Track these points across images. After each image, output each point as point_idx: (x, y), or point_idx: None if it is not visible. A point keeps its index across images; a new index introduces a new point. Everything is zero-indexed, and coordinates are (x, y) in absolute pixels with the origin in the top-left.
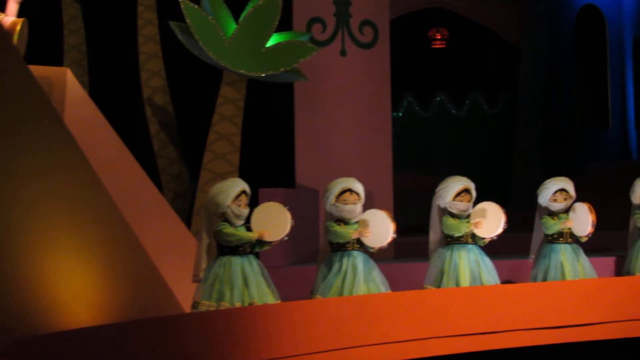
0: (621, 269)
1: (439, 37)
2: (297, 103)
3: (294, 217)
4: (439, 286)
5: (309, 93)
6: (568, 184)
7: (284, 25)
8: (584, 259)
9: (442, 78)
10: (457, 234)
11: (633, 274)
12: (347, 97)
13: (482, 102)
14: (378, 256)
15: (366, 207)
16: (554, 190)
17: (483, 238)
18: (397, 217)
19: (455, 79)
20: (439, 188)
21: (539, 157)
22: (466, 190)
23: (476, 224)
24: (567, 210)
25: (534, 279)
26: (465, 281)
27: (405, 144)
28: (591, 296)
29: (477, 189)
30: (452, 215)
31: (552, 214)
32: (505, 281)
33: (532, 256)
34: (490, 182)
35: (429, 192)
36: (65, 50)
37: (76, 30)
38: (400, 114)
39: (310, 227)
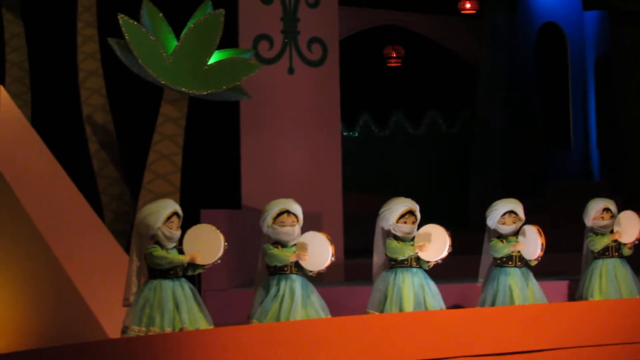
0: (574, 294)
1: (394, 55)
2: (243, 122)
3: (237, 238)
4: (382, 311)
5: (256, 112)
6: (517, 206)
7: (230, 42)
8: (533, 283)
9: (399, 97)
10: (401, 257)
11: (586, 299)
12: (295, 116)
13: (440, 122)
14: (328, 279)
15: (315, 229)
16: (502, 212)
17: (428, 262)
18: (350, 239)
19: (412, 97)
20: (382, 210)
21: (497, 178)
22: (410, 212)
23: (420, 247)
24: (516, 233)
25: (482, 304)
26: (409, 306)
27: (361, 163)
28: (538, 322)
29: (434, 210)
30: (396, 237)
31: (501, 236)
32: (453, 306)
33: (481, 280)
34: (448, 203)
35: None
36: (7, 68)
37: (18, 47)
38: (357, 134)
39: (255, 248)
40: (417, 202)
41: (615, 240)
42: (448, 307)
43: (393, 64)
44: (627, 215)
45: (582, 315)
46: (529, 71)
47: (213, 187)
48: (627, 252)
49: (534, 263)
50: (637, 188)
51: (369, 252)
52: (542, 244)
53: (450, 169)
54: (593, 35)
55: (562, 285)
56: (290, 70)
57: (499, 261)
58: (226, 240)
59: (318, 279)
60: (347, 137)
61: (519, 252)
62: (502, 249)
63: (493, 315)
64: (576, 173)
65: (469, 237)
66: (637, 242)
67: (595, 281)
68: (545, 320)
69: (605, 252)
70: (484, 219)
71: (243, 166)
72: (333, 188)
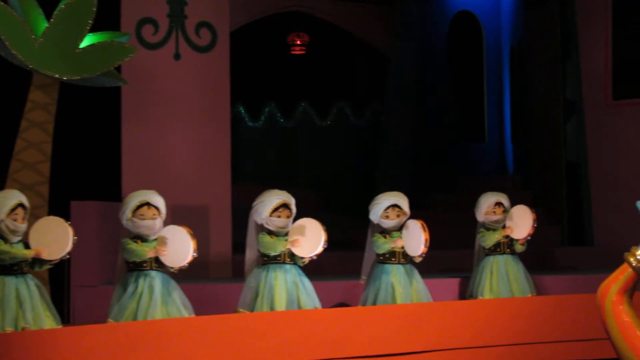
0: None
1: (298, 42)
2: (125, 110)
3: (110, 232)
4: (252, 310)
5: (138, 99)
6: (401, 200)
7: (111, 25)
8: (418, 280)
9: (305, 86)
10: (273, 253)
11: (476, 297)
12: (181, 105)
13: (348, 113)
14: (214, 275)
15: (202, 222)
16: (385, 206)
17: (302, 257)
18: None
19: (319, 87)
20: (255, 202)
21: (406, 173)
22: (285, 206)
23: (293, 243)
24: (400, 228)
25: (364, 302)
26: (281, 305)
27: (265, 155)
28: (419, 321)
29: (341, 203)
30: (270, 232)
31: (384, 231)
32: (338, 304)
33: (364, 277)
34: (354, 197)
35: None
36: None
37: None
38: (261, 124)
39: None
40: (324, 195)
41: (507, 236)
42: (333, 306)
43: (297, 51)
44: (519, 210)
45: (467, 314)
46: (442, 61)
47: (90, 178)
48: (519, 248)
49: (418, 260)
50: (547, 183)
51: None
52: (426, 240)
53: (358, 162)
54: (509, 23)
55: (453, 283)
56: (177, 56)
57: (381, 257)
58: (76, 234)
59: (203, 274)
60: (251, 127)
61: (401, 248)
62: (384, 245)
63: (370, 315)
64: (491, 167)
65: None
66: (529, 238)
67: (485, 279)
68: (426, 320)
69: (496, 249)
70: None
71: (124, 156)
72: (221, 180)
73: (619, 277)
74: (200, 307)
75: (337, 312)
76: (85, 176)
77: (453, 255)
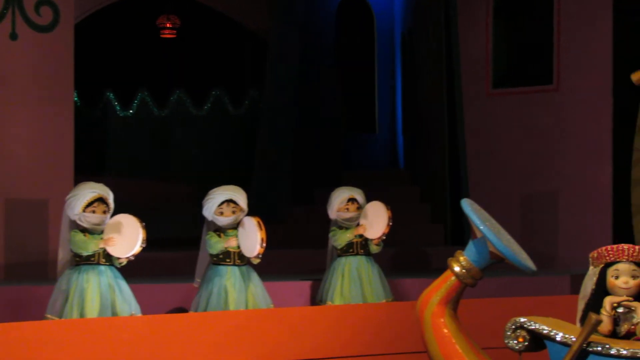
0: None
1: (168, 25)
2: None
3: None
4: (61, 316)
5: None
6: (237, 194)
7: None
8: (255, 284)
9: (179, 73)
10: (85, 253)
11: (325, 303)
12: (18, 88)
13: (225, 101)
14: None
15: (40, 218)
16: (220, 202)
17: (118, 258)
18: None
19: (194, 74)
20: (68, 196)
21: (286, 166)
22: (100, 200)
23: (107, 241)
24: (236, 226)
25: (196, 308)
26: (92, 311)
27: (137, 145)
28: (250, 330)
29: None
30: (83, 229)
31: (219, 229)
32: (174, 310)
33: (198, 280)
34: None
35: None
36: None
37: None
38: (132, 112)
39: None
40: (198, 190)
41: (361, 235)
42: (168, 312)
43: (167, 35)
44: (374, 207)
45: (308, 322)
46: (328, 48)
47: None
48: (374, 249)
49: (255, 261)
50: (432, 178)
51: None
52: (262, 239)
53: (235, 155)
54: (400, 9)
55: (305, 286)
56: (13, 36)
57: (215, 258)
58: None
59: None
60: (122, 117)
61: (237, 247)
62: (217, 244)
63: (194, 323)
64: (381, 160)
65: None
66: (384, 237)
67: (336, 282)
68: (259, 328)
69: (349, 249)
70: (267, 209)
71: None
72: (63, 173)
73: (441, 286)
74: (13, 311)
75: (154, 319)
76: None
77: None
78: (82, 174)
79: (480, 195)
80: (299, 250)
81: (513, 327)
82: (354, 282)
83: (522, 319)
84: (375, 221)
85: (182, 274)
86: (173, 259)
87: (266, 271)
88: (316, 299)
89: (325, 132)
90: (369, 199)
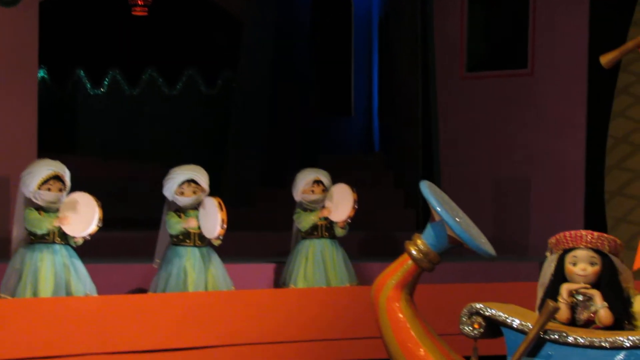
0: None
1: (140, 2)
2: None
3: None
4: (14, 295)
5: None
6: (198, 174)
7: None
8: (216, 266)
9: (151, 51)
10: (40, 231)
11: (287, 286)
12: None
13: (198, 81)
14: None
15: (2, 197)
16: (180, 181)
17: (74, 237)
18: None
19: (167, 52)
20: (23, 173)
21: (259, 148)
22: (56, 178)
23: (61, 220)
24: (197, 206)
25: (154, 289)
26: (46, 290)
27: (109, 124)
28: (208, 313)
29: None
30: (38, 207)
31: (179, 210)
32: (134, 290)
33: (157, 261)
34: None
35: (132, 179)
36: None
37: None
38: (103, 91)
39: None
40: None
41: (326, 218)
42: (129, 292)
43: (139, 12)
44: (340, 189)
45: (268, 305)
46: (304, 31)
47: None
48: (339, 232)
49: (217, 242)
50: (406, 162)
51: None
52: (223, 220)
53: (208, 135)
54: None
55: (269, 269)
56: None
57: (175, 239)
58: None
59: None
60: (92, 95)
61: (197, 228)
62: (176, 225)
63: (150, 304)
64: (357, 144)
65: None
66: (349, 220)
67: (300, 265)
68: (218, 311)
69: (313, 232)
70: (241, 192)
71: None
72: (26, 152)
73: (397, 270)
74: None
75: (108, 300)
76: None
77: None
78: (51, 152)
79: (452, 180)
80: (267, 233)
81: (469, 313)
82: (317, 265)
83: (478, 305)
84: (341, 204)
85: (145, 254)
86: (137, 239)
87: (231, 253)
88: (279, 282)
89: (299, 114)
90: (345, 181)
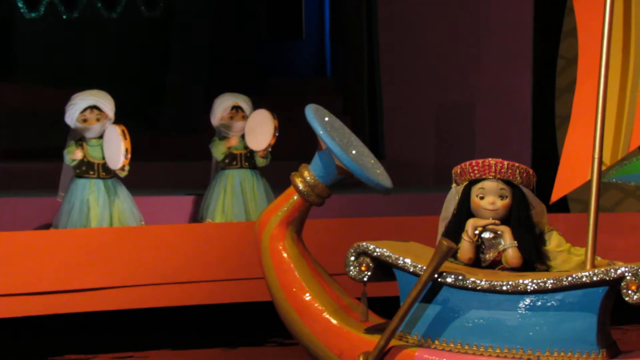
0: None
1: None
2: None
3: None
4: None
5: None
6: (102, 99)
7: None
8: (123, 199)
9: None
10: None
11: (204, 220)
12: None
13: (138, 4)
14: None
15: None
16: (82, 108)
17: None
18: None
19: None
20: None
21: (206, 72)
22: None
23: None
24: (102, 135)
25: (56, 225)
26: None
27: (49, 50)
28: (108, 249)
29: (125, 107)
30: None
31: (83, 139)
32: (41, 226)
33: (62, 194)
34: (142, 104)
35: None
36: None
37: None
38: (38, 14)
39: None
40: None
41: (245, 147)
42: (35, 229)
43: None
44: (259, 116)
45: (178, 242)
46: None
47: None
48: (260, 162)
49: (122, 174)
50: (354, 88)
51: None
52: (127, 149)
53: (149, 61)
54: None
55: (187, 202)
56: None
57: (77, 171)
58: None
59: None
60: (28, 19)
61: (103, 159)
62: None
63: (46, 240)
64: (308, 68)
65: (166, 141)
66: (270, 149)
67: (218, 198)
68: (120, 247)
69: (232, 162)
70: (183, 120)
71: None
72: None
73: (282, 205)
74: None
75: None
76: None
77: None
78: None
79: (396, 107)
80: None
81: (355, 253)
82: (236, 197)
83: (365, 244)
84: (260, 131)
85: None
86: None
87: (152, 185)
88: (197, 216)
89: (245, 38)
90: (294, 107)
